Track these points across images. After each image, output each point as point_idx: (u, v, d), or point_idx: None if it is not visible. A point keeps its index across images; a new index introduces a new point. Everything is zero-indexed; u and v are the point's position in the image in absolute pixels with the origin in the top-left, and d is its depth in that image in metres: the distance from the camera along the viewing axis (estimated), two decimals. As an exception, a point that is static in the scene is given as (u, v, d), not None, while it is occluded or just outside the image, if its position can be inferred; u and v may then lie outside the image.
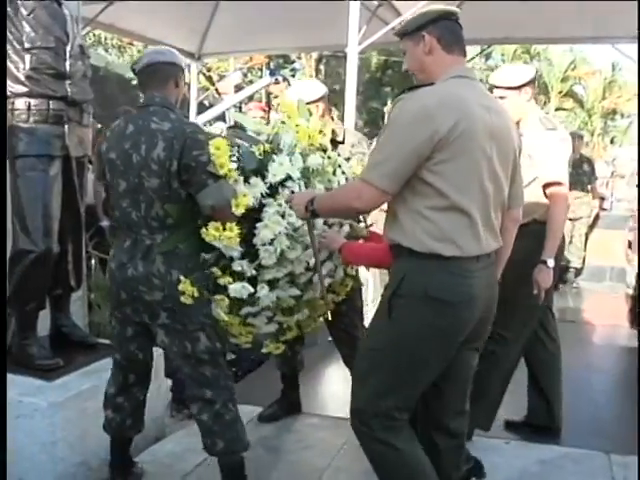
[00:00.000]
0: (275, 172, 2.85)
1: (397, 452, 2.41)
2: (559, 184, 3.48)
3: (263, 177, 2.85)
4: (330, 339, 5.57)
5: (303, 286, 3.00)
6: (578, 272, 8.72)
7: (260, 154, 2.93)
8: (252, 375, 4.80)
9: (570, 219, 8.41)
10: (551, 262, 3.44)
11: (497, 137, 2.33)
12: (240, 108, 9.56)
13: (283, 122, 3.13)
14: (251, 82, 19.88)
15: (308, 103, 3.41)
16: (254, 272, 2.81)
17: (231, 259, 2.77)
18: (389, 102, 23.48)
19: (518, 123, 3.64)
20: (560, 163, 3.51)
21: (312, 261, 2.91)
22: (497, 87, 3.65)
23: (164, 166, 2.65)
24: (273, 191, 2.85)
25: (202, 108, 9.85)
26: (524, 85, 3.60)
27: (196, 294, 2.69)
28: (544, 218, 3.49)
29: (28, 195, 3.19)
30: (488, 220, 2.35)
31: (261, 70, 22.68)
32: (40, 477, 3.04)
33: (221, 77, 21.79)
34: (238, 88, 16.94)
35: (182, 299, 2.69)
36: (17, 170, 3.21)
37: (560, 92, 33.05)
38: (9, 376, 3.21)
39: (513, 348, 3.69)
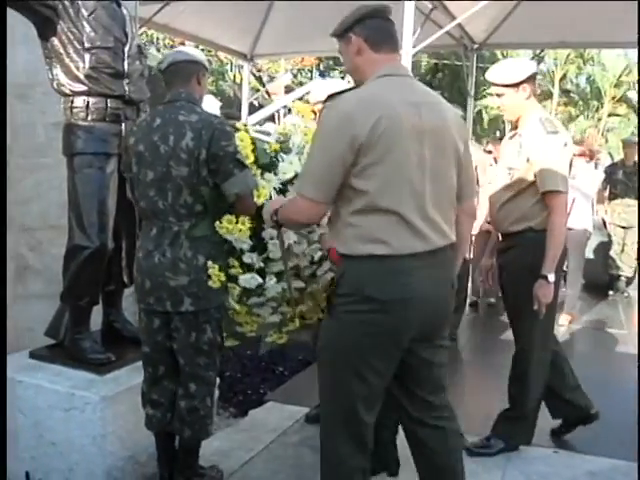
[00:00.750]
0: (285, 170, 2.98)
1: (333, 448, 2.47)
2: (559, 192, 3.34)
3: (275, 174, 2.98)
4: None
5: (307, 278, 3.09)
6: (629, 281, 8.58)
7: (271, 152, 3.03)
8: (299, 375, 4.80)
9: (623, 227, 8.29)
10: (551, 277, 3.33)
11: (429, 133, 2.31)
12: (290, 110, 9.60)
13: (293, 124, 3.22)
14: (301, 83, 19.96)
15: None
16: (262, 264, 2.90)
17: (241, 251, 2.85)
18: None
19: (517, 122, 3.57)
20: (560, 170, 3.36)
21: (317, 256, 3.03)
22: (494, 84, 3.53)
23: (193, 155, 2.76)
24: (283, 188, 2.97)
25: (252, 109, 9.93)
26: (522, 82, 3.44)
27: (222, 279, 2.77)
28: (541, 226, 3.39)
29: (84, 192, 3.25)
30: (426, 217, 2.32)
31: (311, 72, 22.78)
32: (89, 469, 3.09)
33: (271, 78, 21.93)
34: (288, 89, 17.03)
35: (209, 283, 2.81)
36: (75, 167, 3.28)
37: (613, 97, 32.42)
38: (62, 369, 3.30)
39: (538, 360, 3.59)
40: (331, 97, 2.54)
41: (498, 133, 24.90)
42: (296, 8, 7.78)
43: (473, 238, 6.01)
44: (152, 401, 3.02)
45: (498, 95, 3.53)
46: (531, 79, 3.47)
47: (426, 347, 2.48)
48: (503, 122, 25.28)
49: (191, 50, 3.05)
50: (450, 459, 2.60)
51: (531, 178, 3.39)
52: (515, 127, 3.62)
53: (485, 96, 22.69)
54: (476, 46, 8.91)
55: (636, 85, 34.47)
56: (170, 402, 3.03)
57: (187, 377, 2.97)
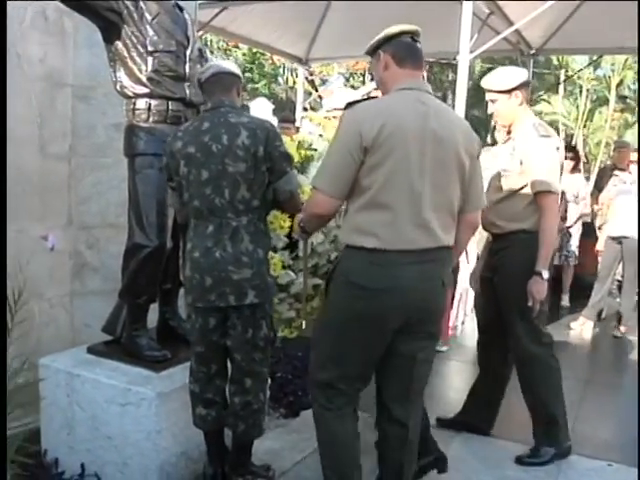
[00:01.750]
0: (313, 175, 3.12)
1: (329, 419, 2.73)
2: (550, 192, 3.47)
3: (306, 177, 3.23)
4: (437, 348, 5.61)
5: (322, 276, 3.23)
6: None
7: (300, 158, 3.16)
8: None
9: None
10: (545, 273, 3.46)
11: (432, 144, 2.51)
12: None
13: (320, 135, 3.37)
14: (353, 87, 19.96)
15: None
16: (291, 262, 2.99)
17: (274, 249, 2.96)
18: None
19: (510, 127, 3.69)
20: (552, 172, 3.50)
21: (333, 255, 3.29)
22: (488, 91, 3.65)
23: (249, 151, 2.90)
24: None
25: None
26: (514, 89, 3.58)
27: (281, 271, 2.85)
28: (534, 228, 3.50)
29: (144, 192, 3.32)
30: (418, 218, 2.52)
31: (363, 75, 22.72)
32: (143, 463, 3.15)
33: (323, 81, 21.97)
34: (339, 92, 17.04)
35: (272, 272, 2.93)
36: (135, 167, 3.36)
37: (672, 104, 31.69)
38: (119, 364, 3.37)
39: (537, 357, 3.70)
40: (349, 105, 3.00)
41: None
42: (351, 13, 7.81)
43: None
44: (206, 400, 3.07)
45: (492, 101, 3.66)
46: (523, 86, 3.61)
47: (407, 340, 2.64)
48: (557, 128, 24.94)
49: (229, 63, 3.20)
50: (405, 454, 2.79)
51: (524, 181, 3.52)
52: (508, 132, 3.74)
53: (539, 102, 22.40)
54: (533, 51, 8.82)
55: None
56: (224, 400, 3.10)
57: (243, 373, 3.05)
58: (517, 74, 3.64)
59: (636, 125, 31.32)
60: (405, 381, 2.72)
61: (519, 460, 3.64)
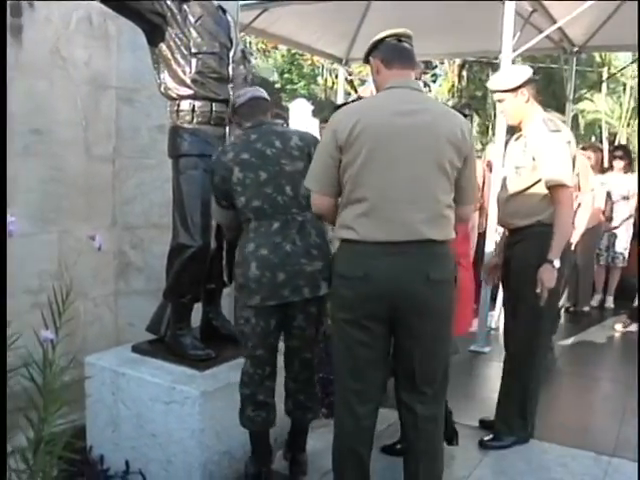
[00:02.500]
0: None
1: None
2: (563, 186, 3.50)
3: None
4: (472, 348, 5.57)
5: None
6: None
7: None
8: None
9: None
10: (557, 262, 3.49)
11: (408, 134, 2.59)
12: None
13: None
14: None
15: None
16: None
17: None
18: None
19: (519, 125, 3.76)
20: (565, 165, 3.54)
21: None
22: (494, 91, 3.74)
23: (304, 151, 3.08)
24: None
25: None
26: (520, 86, 3.63)
27: None
28: (549, 220, 3.56)
29: (189, 192, 3.35)
30: (393, 211, 2.59)
31: (402, 75, 22.68)
32: (187, 461, 3.17)
33: (362, 82, 21.95)
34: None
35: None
36: (180, 168, 3.39)
37: None
38: (163, 363, 3.41)
39: (540, 349, 3.80)
40: (336, 108, 3.27)
41: (594, 138, 24.19)
42: (391, 12, 7.77)
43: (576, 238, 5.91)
44: (257, 402, 3.08)
45: (499, 101, 3.74)
46: (528, 83, 3.65)
47: (407, 336, 2.70)
48: (600, 127, 24.56)
49: (261, 90, 3.33)
50: (418, 440, 2.81)
51: (537, 176, 3.57)
52: (519, 129, 3.80)
53: (582, 100, 22.09)
54: (576, 49, 8.70)
55: None
56: (273, 400, 3.13)
57: (310, 370, 3.22)
58: (521, 72, 3.70)
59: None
60: (409, 375, 2.76)
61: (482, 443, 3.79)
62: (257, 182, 3.01)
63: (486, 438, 3.81)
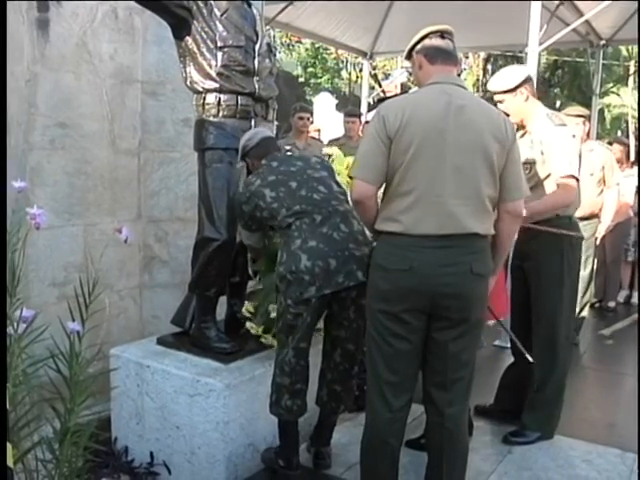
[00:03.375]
0: None
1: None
2: (572, 177, 3.59)
3: None
4: (496, 343, 5.53)
5: None
6: None
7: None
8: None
9: None
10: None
11: (454, 131, 2.61)
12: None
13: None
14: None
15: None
16: None
17: None
18: (558, 103, 22.69)
19: (522, 123, 3.84)
20: (573, 158, 3.63)
21: None
22: (494, 93, 3.82)
23: (325, 164, 3.37)
24: None
25: (368, 107, 9.97)
26: (518, 86, 3.71)
27: None
28: (563, 212, 3.69)
29: (214, 185, 3.36)
30: (440, 204, 2.61)
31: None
32: (211, 453, 3.19)
33: (386, 76, 21.90)
34: (404, 87, 16.97)
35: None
36: (206, 161, 3.39)
37: None
38: (187, 356, 3.43)
39: (565, 338, 3.84)
40: (380, 101, 3.35)
41: (620, 133, 23.92)
42: (416, 6, 7.75)
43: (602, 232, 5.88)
44: (295, 391, 3.11)
45: (499, 102, 3.79)
46: (526, 82, 3.74)
47: (438, 328, 2.70)
48: (626, 121, 24.29)
49: (268, 130, 3.49)
50: (443, 438, 2.80)
51: (547, 170, 3.66)
52: (523, 127, 3.88)
53: (608, 94, 21.86)
54: (602, 42, 8.61)
55: None
56: (307, 387, 3.18)
57: (353, 362, 3.27)
58: (519, 72, 3.79)
59: None
60: (441, 370, 2.76)
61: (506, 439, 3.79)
62: (289, 191, 3.12)
63: (510, 433, 3.80)
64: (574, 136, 3.72)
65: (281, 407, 3.12)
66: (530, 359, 3.60)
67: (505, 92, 3.73)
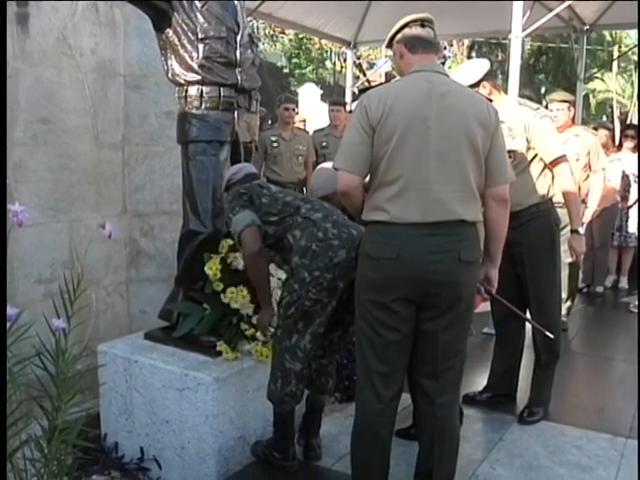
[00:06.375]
0: None
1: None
2: (564, 157, 3.74)
3: None
4: (485, 330, 5.52)
5: None
6: None
7: None
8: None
9: None
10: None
11: (436, 117, 2.60)
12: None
13: None
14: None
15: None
16: None
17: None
18: (543, 89, 22.72)
19: None
20: (557, 139, 3.87)
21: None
22: None
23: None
24: None
25: (353, 96, 9.95)
26: (480, 81, 3.78)
27: None
28: (549, 195, 3.80)
29: (199, 178, 3.34)
30: (426, 192, 2.60)
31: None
32: (201, 447, 3.18)
33: (371, 65, 21.86)
34: (388, 76, 16.95)
35: None
36: (189, 154, 3.38)
37: None
38: (175, 350, 3.41)
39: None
40: (362, 92, 3.29)
41: (605, 118, 23.99)
42: (400, -6, 7.72)
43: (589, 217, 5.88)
44: (303, 376, 3.12)
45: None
46: (487, 76, 3.81)
47: (432, 318, 2.67)
48: (611, 106, 24.37)
49: (253, 167, 3.56)
50: (435, 427, 2.80)
51: (531, 155, 3.75)
52: None
53: (592, 79, 21.90)
54: (586, 28, 8.61)
55: None
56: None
57: (349, 341, 3.35)
58: (479, 66, 3.83)
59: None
60: (432, 360, 2.74)
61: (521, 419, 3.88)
62: (283, 201, 3.20)
63: (523, 415, 3.89)
64: (550, 117, 3.93)
65: (286, 394, 3.10)
66: (550, 335, 3.60)
67: (470, 87, 3.66)
